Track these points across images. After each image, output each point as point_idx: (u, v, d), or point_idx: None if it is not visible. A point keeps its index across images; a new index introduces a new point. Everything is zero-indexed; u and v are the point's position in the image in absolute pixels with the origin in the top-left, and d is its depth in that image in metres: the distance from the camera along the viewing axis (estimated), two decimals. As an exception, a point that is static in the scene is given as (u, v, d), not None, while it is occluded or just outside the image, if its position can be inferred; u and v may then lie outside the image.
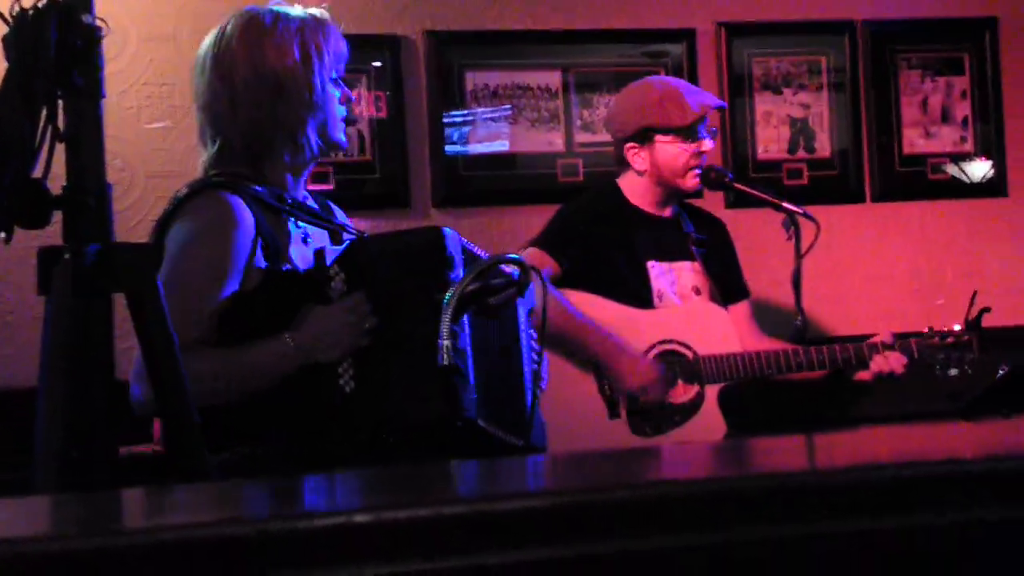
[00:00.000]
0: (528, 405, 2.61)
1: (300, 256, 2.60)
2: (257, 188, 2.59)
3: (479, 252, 2.62)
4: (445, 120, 4.39)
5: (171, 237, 2.55)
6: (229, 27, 2.66)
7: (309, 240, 2.63)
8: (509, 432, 2.55)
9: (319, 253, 2.55)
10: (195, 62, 2.70)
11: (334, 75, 2.68)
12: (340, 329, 2.48)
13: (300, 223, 2.63)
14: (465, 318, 2.46)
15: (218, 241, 2.53)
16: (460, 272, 2.49)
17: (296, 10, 2.69)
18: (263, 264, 2.54)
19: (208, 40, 2.68)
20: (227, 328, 2.51)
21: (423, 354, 2.36)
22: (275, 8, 2.68)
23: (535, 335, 2.72)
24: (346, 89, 2.71)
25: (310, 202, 2.74)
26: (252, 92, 2.60)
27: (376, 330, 2.49)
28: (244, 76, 2.60)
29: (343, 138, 2.72)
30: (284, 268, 2.56)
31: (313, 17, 2.69)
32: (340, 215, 2.83)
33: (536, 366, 2.71)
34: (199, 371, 2.42)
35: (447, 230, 2.53)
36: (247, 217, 2.54)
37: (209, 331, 2.49)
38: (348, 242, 2.64)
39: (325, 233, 2.67)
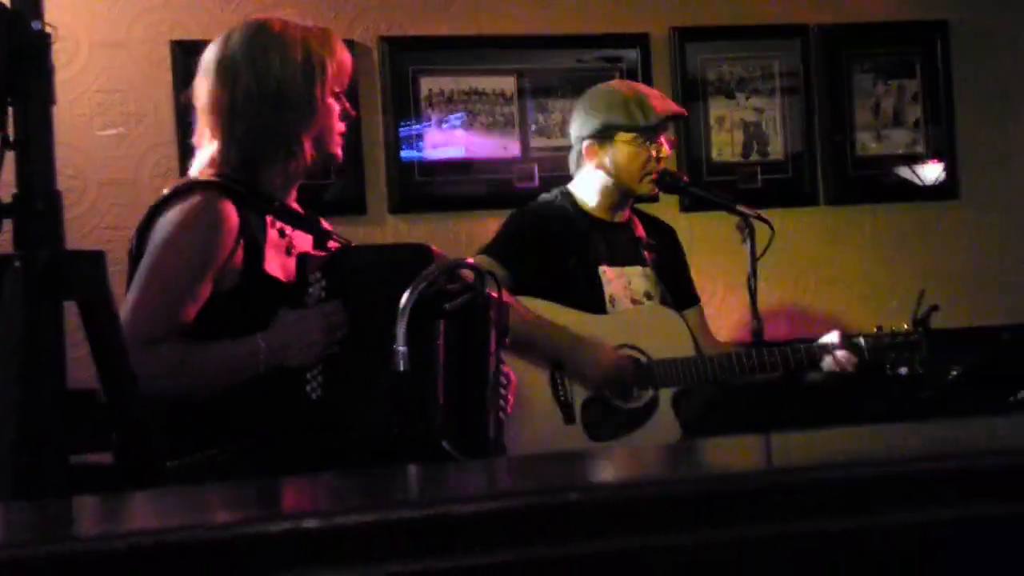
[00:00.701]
0: (490, 429, 2.62)
1: (282, 266, 2.60)
2: (246, 191, 2.60)
3: None
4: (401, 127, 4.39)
5: (155, 230, 2.57)
6: (236, 34, 2.68)
7: (292, 250, 2.63)
8: (470, 455, 2.55)
9: (301, 257, 2.56)
10: (199, 65, 2.72)
11: (336, 89, 2.69)
12: (312, 335, 2.50)
13: (284, 232, 2.63)
14: (440, 337, 2.47)
15: (201, 237, 2.54)
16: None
17: (303, 22, 2.70)
18: (241, 266, 2.55)
19: (214, 45, 2.71)
20: (201, 327, 2.51)
21: (393, 369, 2.38)
22: (283, 20, 2.69)
23: (504, 360, 2.73)
24: (347, 104, 2.72)
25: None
26: (253, 99, 2.62)
27: (349, 340, 2.50)
28: (246, 83, 2.62)
29: (339, 152, 2.73)
30: (262, 274, 2.56)
31: (320, 29, 2.71)
32: (325, 226, 2.84)
33: (504, 390, 2.72)
34: (168, 362, 2.45)
35: (433, 248, 2.55)
36: (232, 217, 2.55)
37: (184, 323, 2.50)
38: (333, 250, 2.65)
39: (309, 241, 2.68)
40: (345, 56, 2.73)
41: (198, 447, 2.49)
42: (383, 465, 2.48)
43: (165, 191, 2.65)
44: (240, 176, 2.63)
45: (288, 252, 2.62)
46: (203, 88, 2.68)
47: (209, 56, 2.69)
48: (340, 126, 2.72)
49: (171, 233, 2.54)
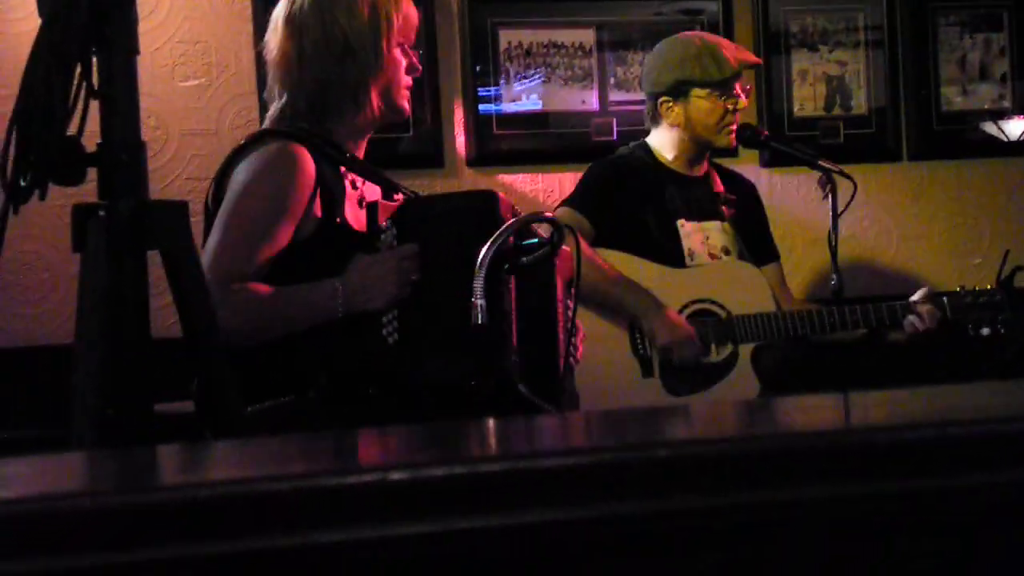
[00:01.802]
0: (560, 374, 2.64)
1: (354, 217, 2.63)
2: (319, 141, 2.63)
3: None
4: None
5: (233, 177, 2.62)
6: None
7: (363, 201, 2.67)
8: (543, 399, 2.57)
9: (372, 206, 2.60)
10: (269, 21, 2.77)
11: (402, 42, 2.72)
12: (387, 278, 2.53)
13: (356, 184, 2.67)
14: (511, 283, 2.49)
15: (280, 182, 2.59)
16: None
17: None
18: (319, 214, 2.58)
19: (282, 1, 2.74)
20: (279, 275, 2.54)
21: (468, 315, 2.41)
22: None
23: (572, 306, 2.74)
24: (414, 58, 2.75)
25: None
26: (320, 50, 2.67)
27: (422, 284, 2.53)
28: (314, 37, 2.68)
29: (406, 105, 2.78)
30: (339, 223, 2.60)
31: None
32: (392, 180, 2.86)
33: (572, 337, 2.73)
34: (249, 303, 2.49)
35: (499, 195, 2.57)
36: (309, 165, 2.60)
37: (263, 267, 2.54)
38: (401, 200, 2.68)
39: (378, 192, 2.71)
40: (411, 10, 2.76)
41: (275, 391, 2.53)
42: (459, 411, 2.51)
43: (242, 141, 2.69)
44: (311, 127, 2.66)
45: (360, 204, 2.66)
46: (272, 43, 2.74)
47: (278, 12, 2.75)
48: (407, 80, 2.75)
49: (249, 178, 2.59)
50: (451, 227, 2.55)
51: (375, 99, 2.69)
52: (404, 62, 2.74)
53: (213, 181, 2.67)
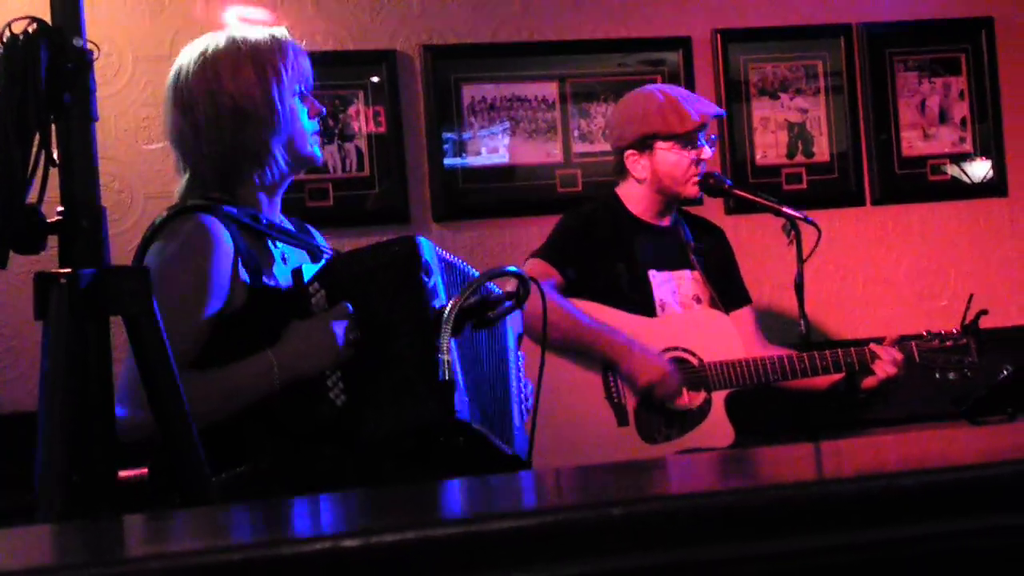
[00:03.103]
0: (514, 422, 2.63)
1: (281, 275, 2.60)
2: (232, 210, 2.60)
3: (454, 260, 2.64)
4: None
5: (148, 260, 2.55)
6: (185, 60, 2.68)
7: (287, 260, 2.64)
8: (499, 437, 2.57)
9: (297, 272, 2.56)
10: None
11: (299, 90, 2.68)
12: (323, 341, 2.49)
13: (277, 243, 2.64)
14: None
15: (196, 261, 2.53)
16: (438, 279, 2.51)
17: (251, 33, 2.69)
18: (245, 283, 2.54)
19: (170, 75, 2.70)
20: (214, 348, 2.51)
21: (410, 360, 2.42)
22: (230, 34, 2.69)
23: (523, 357, 2.74)
24: (316, 103, 2.72)
25: (286, 224, 2.75)
26: (213, 121, 2.62)
27: (361, 341, 2.50)
28: (204, 107, 2.62)
29: (316, 152, 2.73)
30: (266, 287, 2.56)
31: (269, 37, 2.69)
32: (317, 236, 2.83)
33: (524, 387, 2.73)
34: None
35: (420, 238, 2.55)
36: (225, 237, 2.54)
37: (190, 352, 2.49)
38: (325, 260, 2.65)
39: (303, 253, 2.68)
40: (301, 57, 2.71)
41: (228, 463, 2.48)
42: (414, 462, 2.49)
43: (156, 219, 2.63)
44: (221, 196, 2.63)
45: (284, 261, 2.63)
46: (167, 119, 2.69)
47: (167, 87, 2.70)
48: (312, 126, 2.71)
49: (164, 263, 2.52)
50: (380, 279, 2.52)
51: (279, 155, 2.65)
52: (305, 109, 2.71)
53: (133, 262, 2.61)
